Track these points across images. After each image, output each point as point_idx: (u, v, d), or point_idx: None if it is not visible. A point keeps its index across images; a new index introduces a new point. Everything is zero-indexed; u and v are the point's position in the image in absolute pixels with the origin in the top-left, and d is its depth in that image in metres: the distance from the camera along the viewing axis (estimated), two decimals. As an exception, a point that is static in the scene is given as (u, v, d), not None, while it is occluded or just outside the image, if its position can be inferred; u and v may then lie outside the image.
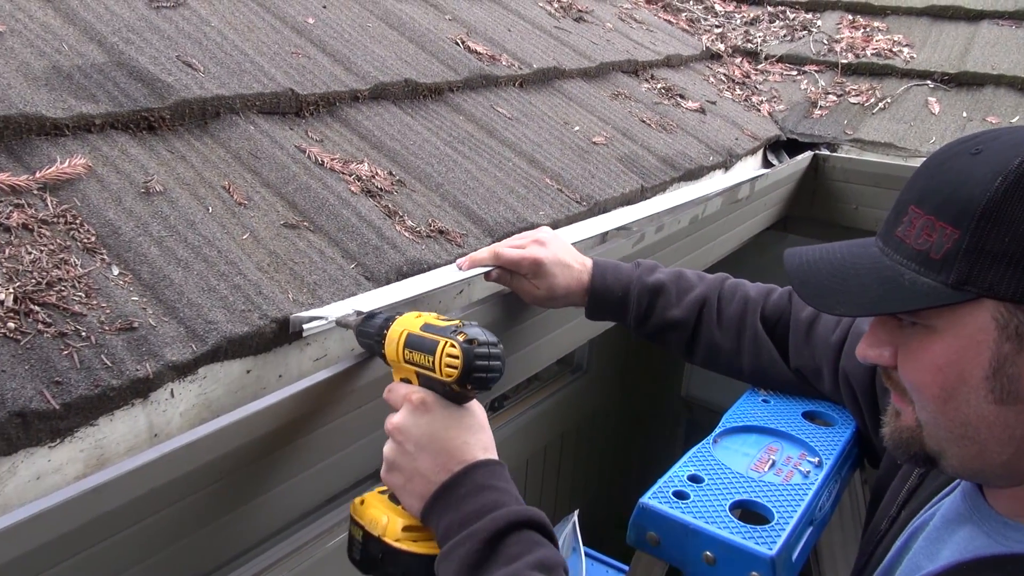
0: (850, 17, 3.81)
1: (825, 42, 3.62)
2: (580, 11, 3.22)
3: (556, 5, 3.16)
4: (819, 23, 3.78)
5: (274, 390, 1.13)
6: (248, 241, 1.37)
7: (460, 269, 1.43)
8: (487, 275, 1.43)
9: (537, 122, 2.26)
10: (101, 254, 1.20)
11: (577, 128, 2.34)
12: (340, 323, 1.24)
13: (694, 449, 1.43)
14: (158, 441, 1.09)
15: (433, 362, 1.00)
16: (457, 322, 1.03)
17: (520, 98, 2.36)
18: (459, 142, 1.97)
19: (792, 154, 3.05)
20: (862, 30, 3.68)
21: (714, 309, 1.45)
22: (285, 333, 1.24)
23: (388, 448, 1.04)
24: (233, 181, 1.48)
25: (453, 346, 0.98)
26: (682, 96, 2.98)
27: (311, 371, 1.24)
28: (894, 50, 3.46)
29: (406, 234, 1.54)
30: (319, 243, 1.44)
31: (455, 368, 0.98)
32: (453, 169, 1.84)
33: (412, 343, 1.05)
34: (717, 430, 1.49)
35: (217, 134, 1.58)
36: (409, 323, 1.08)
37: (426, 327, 1.05)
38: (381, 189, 1.64)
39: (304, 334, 1.26)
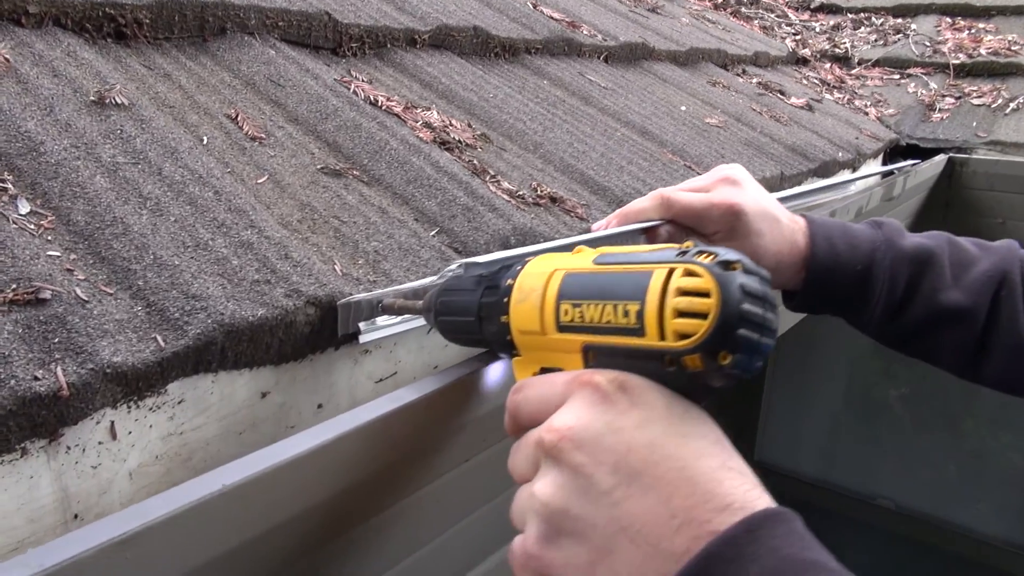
0: (948, 20, 3.35)
1: (927, 44, 3.15)
2: (652, 5, 2.76)
3: (624, -4, 2.70)
4: (913, 27, 3.32)
5: (311, 428, 0.57)
6: (267, 187, 0.83)
7: (604, 229, 0.88)
8: (649, 237, 0.88)
9: (638, 95, 1.74)
10: (0, 179, 0.66)
11: (684, 108, 1.82)
12: (390, 307, 0.70)
13: None
14: (77, 526, 0.53)
15: (638, 314, 0.46)
16: (683, 244, 0.48)
17: (610, 71, 1.85)
18: (551, 104, 1.45)
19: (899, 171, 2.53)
20: (966, 32, 3.21)
21: (1021, 292, 0.89)
22: (332, 329, 0.69)
23: (546, 489, 0.47)
24: (243, 109, 0.95)
25: (695, 274, 0.44)
26: (782, 93, 2.48)
27: (371, 397, 0.66)
28: (1013, 49, 2.98)
29: (504, 197, 1.00)
30: (378, 198, 0.90)
31: (702, 317, 0.43)
32: (552, 129, 1.31)
33: (582, 288, 0.50)
34: None
35: (220, 55, 1.06)
36: (561, 261, 0.54)
37: (608, 259, 0.51)
38: (460, 142, 1.11)
39: (362, 338, 0.71)
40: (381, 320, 0.73)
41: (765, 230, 0.87)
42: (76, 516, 0.55)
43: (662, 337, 0.45)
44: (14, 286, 0.56)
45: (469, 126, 1.19)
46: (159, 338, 0.58)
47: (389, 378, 0.77)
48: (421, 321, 0.76)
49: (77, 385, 0.52)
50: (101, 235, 0.64)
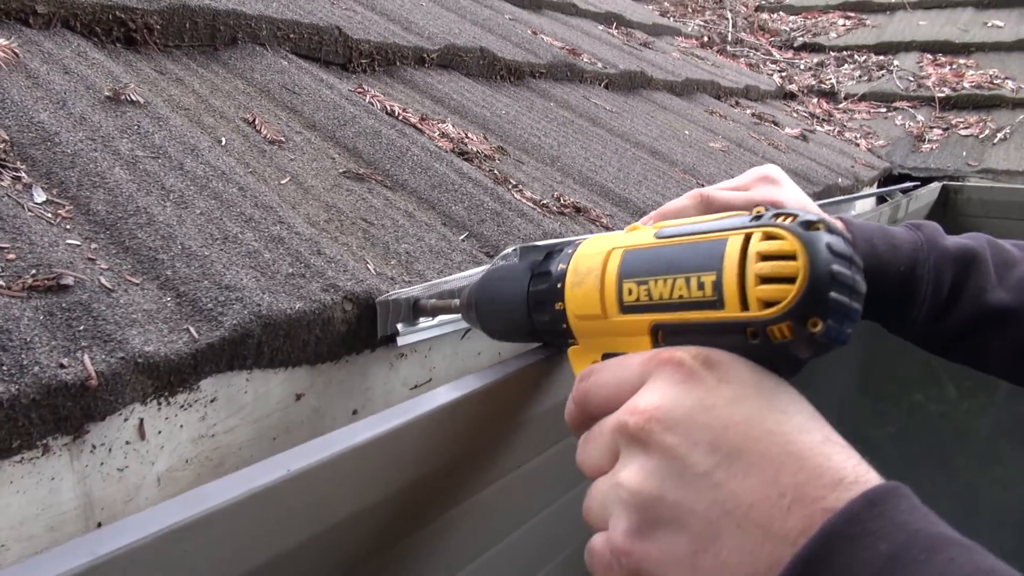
0: (930, 56, 3.42)
1: (911, 79, 3.20)
2: (643, 41, 2.78)
3: (618, 31, 2.72)
4: (896, 63, 3.38)
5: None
6: (290, 188, 0.79)
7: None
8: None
9: (643, 119, 1.73)
10: (12, 167, 0.62)
11: (688, 132, 1.81)
12: (424, 308, 0.66)
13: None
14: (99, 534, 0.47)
15: (715, 285, 0.42)
16: (754, 209, 0.45)
17: (612, 97, 1.84)
18: (561, 124, 1.43)
19: (903, 191, 2.54)
20: (948, 67, 3.27)
21: None
22: (369, 330, 0.64)
23: (634, 477, 0.42)
24: (259, 115, 0.91)
25: (776, 236, 0.41)
26: (776, 123, 2.49)
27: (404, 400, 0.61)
28: (995, 82, 3.04)
29: (529, 205, 0.97)
30: (403, 203, 0.86)
31: (789, 281, 0.40)
32: (567, 145, 1.28)
33: (646, 264, 0.46)
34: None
35: (232, 63, 1.03)
36: (617, 240, 0.50)
37: (672, 231, 0.47)
38: (478, 153, 1.08)
39: (401, 340, 0.66)
40: (418, 322, 0.69)
41: None
42: (100, 525, 0.49)
43: (744, 307, 0.41)
44: (33, 272, 0.51)
45: (485, 139, 1.16)
46: (192, 329, 0.53)
47: (424, 384, 0.72)
48: (458, 325, 0.72)
49: (106, 375, 0.46)
50: (124, 224, 0.59)
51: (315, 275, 0.63)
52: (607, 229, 1.01)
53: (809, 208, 0.85)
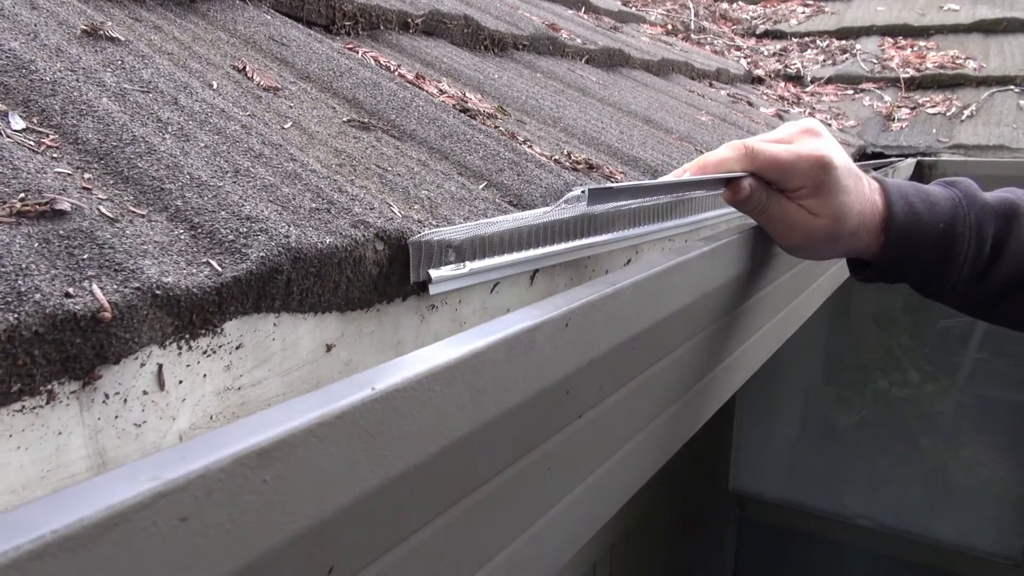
0: (890, 39, 3.45)
1: (875, 61, 3.22)
2: (612, 25, 2.74)
3: (587, 16, 2.68)
4: (859, 47, 3.41)
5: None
6: (294, 132, 0.71)
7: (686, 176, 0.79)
8: (731, 189, 0.79)
9: (629, 92, 1.68)
10: (-14, 91, 0.53)
11: (674, 105, 1.77)
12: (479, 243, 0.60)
13: None
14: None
15: None
16: None
17: (595, 72, 1.79)
18: (553, 92, 1.37)
19: (876, 167, 2.55)
20: (909, 49, 3.30)
21: None
22: (398, 273, 0.57)
23: None
24: (249, 63, 0.83)
25: None
26: (750, 103, 2.47)
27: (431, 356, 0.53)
28: (957, 62, 3.07)
29: (544, 158, 0.90)
30: (414, 152, 0.78)
31: None
32: (565, 108, 1.22)
33: None
34: None
35: (212, 15, 0.94)
36: None
37: None
38: (481, 111, 1.01)
39: (433, 288, 0.59)
40: (447, 269, 0.62)
41: (851, 187, 0.79)
42: (101, 463, 0.40)
43: None
44: (21, 195, 0.43)
45: (483, 99, 1.09)
46: (213, 262, 0.45)
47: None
48: (486, 276, 0.65)
49: (121, 306, 0.39)
50: (120, 154, 0.51)
51: (340, 211, 0.55)
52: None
53: (853, 166, 0.81)
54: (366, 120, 0.81)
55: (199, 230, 0.47)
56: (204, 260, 0.45)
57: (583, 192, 0.61)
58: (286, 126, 0.71)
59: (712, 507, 3.85)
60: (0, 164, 0.45)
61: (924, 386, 3.58)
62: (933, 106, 2.84)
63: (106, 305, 0.38)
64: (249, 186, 0.53)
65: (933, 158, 2.51)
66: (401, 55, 1.18)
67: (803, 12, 3.89)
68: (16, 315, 0.35)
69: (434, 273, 0.60)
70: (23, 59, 0.58)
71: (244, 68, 0.80)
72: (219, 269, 0.45)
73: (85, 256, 0.41)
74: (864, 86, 3.09)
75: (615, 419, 0.57)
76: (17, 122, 0.51)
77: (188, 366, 0.44)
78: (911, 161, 2.46)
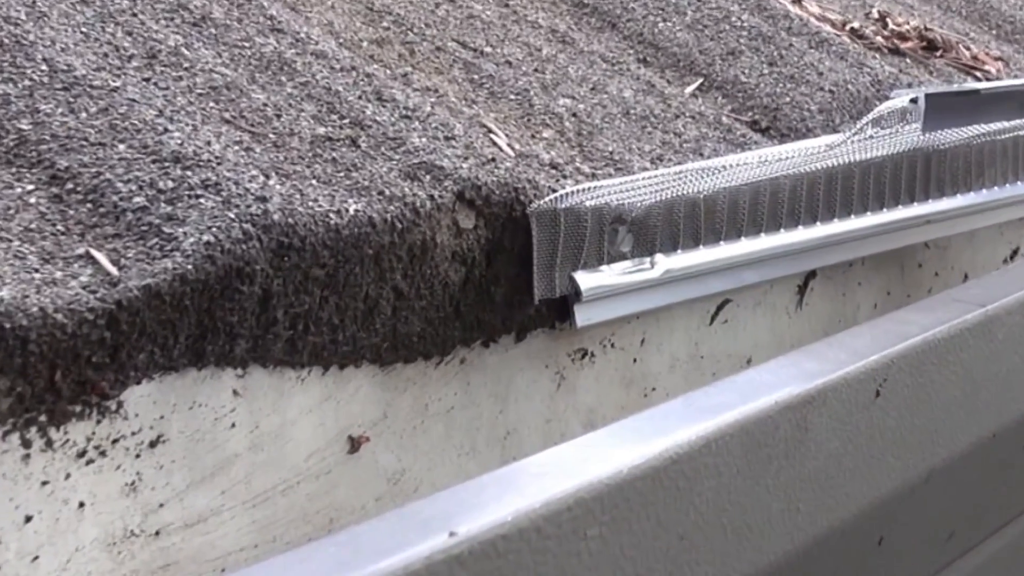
0: None
1: None
2: None
3: None
4: None
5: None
6: None
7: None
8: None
9: None
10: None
11: None
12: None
13: None
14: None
15: None
16: None
17: None
18: None
19: None
20: None
21: None
22: (513, 282, 0.30)
23: None
24: None
25: None
26: None
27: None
28: None
29: (828, 28, 0.54)
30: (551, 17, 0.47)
31: None
32: None
33: None
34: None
35: None
36: None
37: None
38: None
39: (582, 313, 0.31)
40: (613, 270, 0.33)
41: None
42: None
43: None
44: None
45: None
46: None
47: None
48: (704, 286, 0.36)
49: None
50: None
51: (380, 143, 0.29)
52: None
53: None
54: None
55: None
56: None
57: (914, 100, 0.41)
58: None
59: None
60: None
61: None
62: None
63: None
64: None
65: None
66: None
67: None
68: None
69: (585, 280, 0.32)
70: None
71: None
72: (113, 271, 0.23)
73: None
74: None
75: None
76: None
77: (45, 484, 0.21)
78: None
